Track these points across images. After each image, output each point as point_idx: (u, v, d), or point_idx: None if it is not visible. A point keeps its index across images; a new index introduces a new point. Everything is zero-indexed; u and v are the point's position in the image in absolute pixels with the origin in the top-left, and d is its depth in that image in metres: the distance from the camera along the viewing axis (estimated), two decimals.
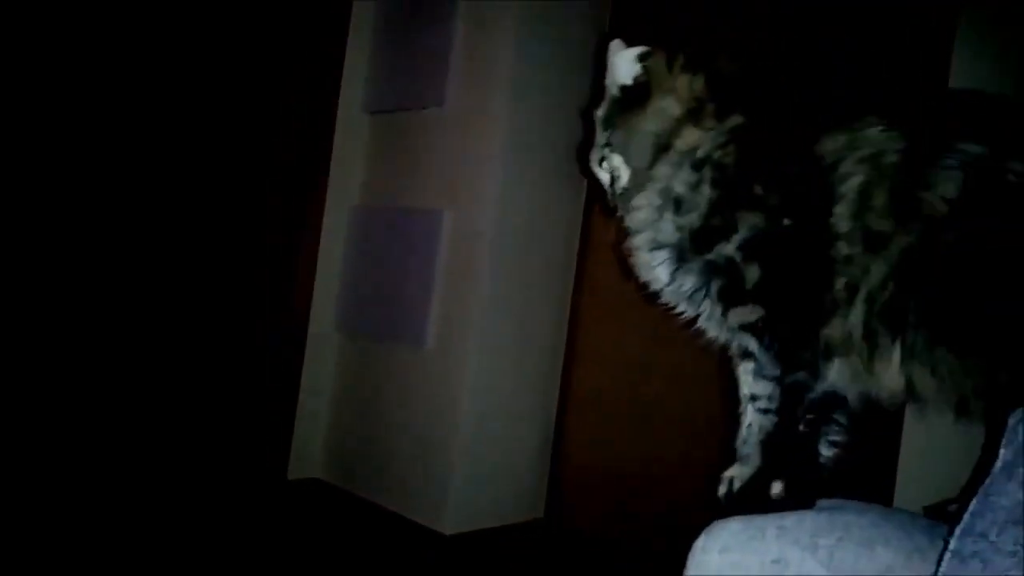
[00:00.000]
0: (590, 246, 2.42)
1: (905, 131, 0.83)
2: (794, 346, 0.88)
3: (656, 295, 1.02)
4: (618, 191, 1.07)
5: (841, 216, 0.84)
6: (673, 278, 0.98)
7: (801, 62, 1.87)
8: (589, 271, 2.42)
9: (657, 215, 0.98)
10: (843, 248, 0.84)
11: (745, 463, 0.92)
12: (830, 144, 0.87)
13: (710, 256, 0.92)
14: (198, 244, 2.86)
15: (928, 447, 1.46)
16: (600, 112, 1.10)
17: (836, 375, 0.88)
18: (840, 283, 0.85)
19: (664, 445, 2.17)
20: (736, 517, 0.86)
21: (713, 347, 1.00)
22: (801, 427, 0.91)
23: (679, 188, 0.96)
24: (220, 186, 2.85)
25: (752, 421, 0.92)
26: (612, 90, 1.07)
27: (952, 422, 0.84)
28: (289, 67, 2.68)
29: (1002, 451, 0.69)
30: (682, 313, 1.00)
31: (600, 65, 1.11)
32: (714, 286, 0.93)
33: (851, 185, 0.84)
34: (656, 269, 1.00)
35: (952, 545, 0.65)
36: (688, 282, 0.96)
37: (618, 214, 1.08)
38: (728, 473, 0.93)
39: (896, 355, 0.82)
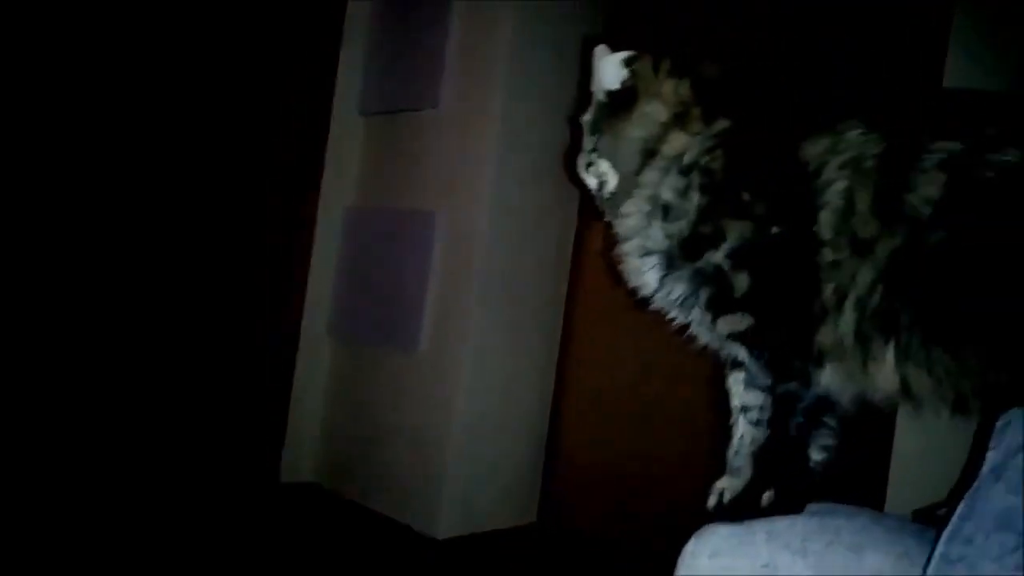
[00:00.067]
0: (584, 248, 2.42)
1: (884, 133, 0.83)
2: (784, 355, 0.88)
3: (647, 301, 1.02)
4: (606, 196, 1.07)
5: (826, 223, 0.84)
6: (662, 285, 0.97)
7: (792, 63, 1.88)
8: (583, 273, 2.42)
9: (646, 222, 0.98)
10: (829, 254, 0.84)
11: (736, 475, 0.91)
12: (812, 148, 0.86)
13: (699, 264, 0.92)
14: (192, 245, 2.86)
15: (920, 450, 1.46)
16: (587, 117, 1.09)
17: (829, 379, 0.88)
18: (828, 289, 0.84)
19: (660, 446, 2.17)
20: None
21: (707, 351, 1.00)
22: (791, 432, 0.91)
23: (667, 195, 0.95)
24: (215, 187, 2.84)
25: (744, 432, 0.92)
26: (598, 95, 1.07)
27: (948, 419, 0.83)
28: (284, 68, 2.68)
29: (990, 454, 0.69)
30: (674, 319, 1.00)
31: (587, 70, 1.10)
32: (703, 294, 0.93)
33: (835, 191, 0.84)
34: (646, 275, 0.99)
35: (939, 549, 0.66)
36: (678, 289, 0.96)
37: (607, 219, 1.08)
38: (719, 485, 0.92)
39: (890, 356, 0.81)
